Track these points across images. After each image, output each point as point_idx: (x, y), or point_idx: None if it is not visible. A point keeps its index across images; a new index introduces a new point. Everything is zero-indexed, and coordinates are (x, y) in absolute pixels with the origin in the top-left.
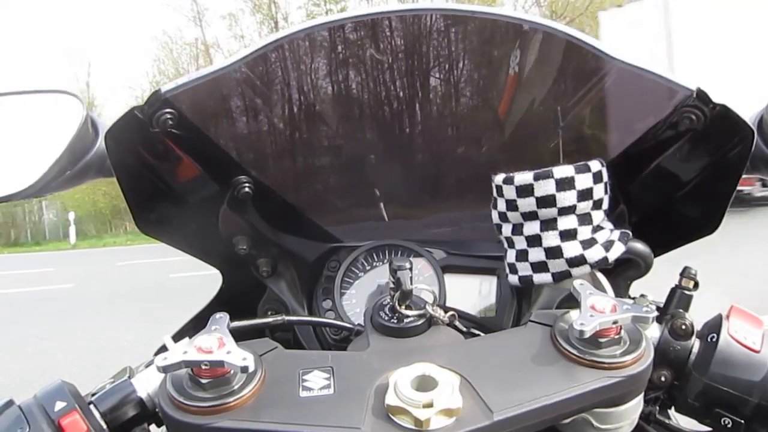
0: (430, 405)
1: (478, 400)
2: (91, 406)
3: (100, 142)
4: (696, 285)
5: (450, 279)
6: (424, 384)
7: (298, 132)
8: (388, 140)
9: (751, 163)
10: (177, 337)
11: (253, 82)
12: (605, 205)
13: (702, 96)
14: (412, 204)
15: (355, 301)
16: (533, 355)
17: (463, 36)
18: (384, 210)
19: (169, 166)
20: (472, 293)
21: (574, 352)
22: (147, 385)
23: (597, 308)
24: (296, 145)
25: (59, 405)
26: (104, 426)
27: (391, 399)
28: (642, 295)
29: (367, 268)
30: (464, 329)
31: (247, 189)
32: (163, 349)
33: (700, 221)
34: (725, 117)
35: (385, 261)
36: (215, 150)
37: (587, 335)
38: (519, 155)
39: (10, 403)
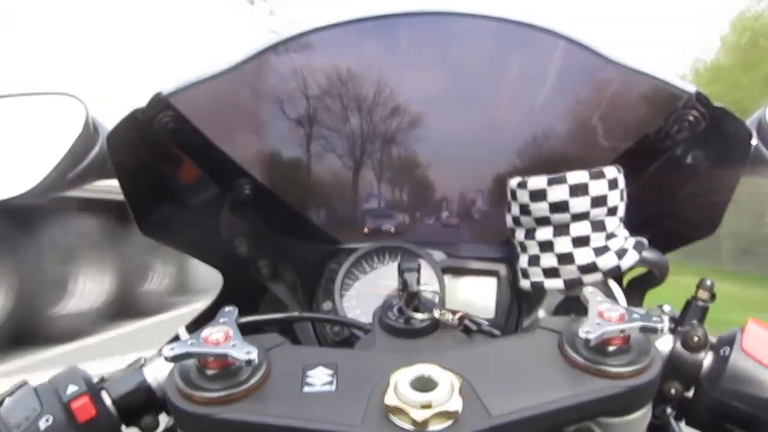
0: (428, 406)
1: (478, 403)
2: (103, 392)
3: (102, 145)
4: (713, 297)
5: (449, 280)
6: (424, 385)
7: (299, 134)
8: (390, 142)
9: (750, 166)
10: (190, 328)
11: (254, 84)
12: (620, 213)
13: (701, 98)
14: (412, 206)
15: (355, 303)
16: (539, 361)
17: (462, 38)
18: (384, 212)
19: (170, 168)
20: (471, 294)
21: (580, 359)
22: (157, 374)
23: (605, 316)
24: (297, 147)
25: (71, 388)
26: (114, 411)
27: (389, 399)
28: (659, 306)
29: (368, 270)
30: (473, 331)
31: (247, 191)
32: (176, 338)
33: (698, 223)
34: (724, 119)
35: (386, 263)
36: (216, 152)
37: (592, 343)
38: (519, 158)
39: (24, 385)
